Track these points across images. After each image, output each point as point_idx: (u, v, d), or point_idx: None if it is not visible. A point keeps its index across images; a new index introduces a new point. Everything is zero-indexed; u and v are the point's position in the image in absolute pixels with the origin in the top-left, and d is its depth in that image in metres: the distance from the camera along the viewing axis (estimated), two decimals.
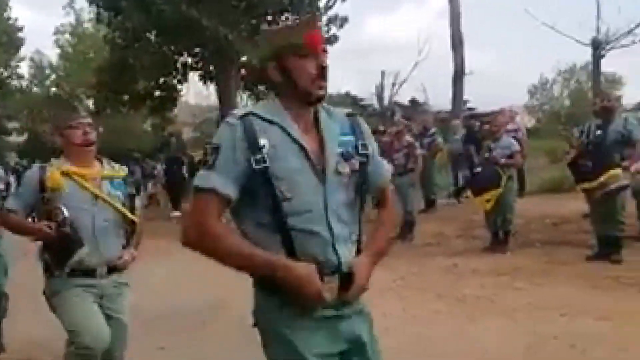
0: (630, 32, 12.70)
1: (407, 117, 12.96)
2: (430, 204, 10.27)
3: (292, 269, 1.66)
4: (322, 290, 1.68)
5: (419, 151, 8.42)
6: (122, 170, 3.08)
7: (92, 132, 2.92)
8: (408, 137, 8.50)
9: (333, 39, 15.34)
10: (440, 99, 18.72)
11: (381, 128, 10.44)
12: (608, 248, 6.04)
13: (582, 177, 6.01)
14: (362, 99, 27.84)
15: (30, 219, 2.98)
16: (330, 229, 1.73)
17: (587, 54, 13.36)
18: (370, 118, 19.85)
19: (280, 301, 1.72)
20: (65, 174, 2.86)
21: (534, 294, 5.15)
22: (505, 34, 45.72)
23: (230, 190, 1.69)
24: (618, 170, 5.82)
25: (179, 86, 17.13)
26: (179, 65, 16.14)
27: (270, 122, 1.74)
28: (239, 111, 1.79)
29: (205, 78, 16.58)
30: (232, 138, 1.70)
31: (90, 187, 2.90)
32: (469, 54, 12.64)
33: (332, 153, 1.78)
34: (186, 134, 27.39)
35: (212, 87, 17.55)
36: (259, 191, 1.70)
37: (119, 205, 2.96)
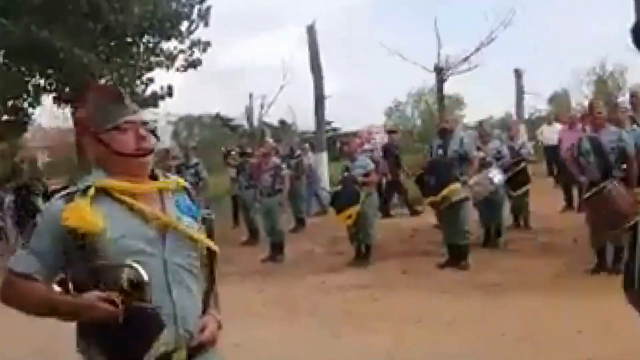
0: (466, 59, 14.20)
1: (277, 138, 13.29)
2: (299, 222, 10.61)
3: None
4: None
5: (285, 172, 8.68)
6: (180, 181, 1.98)
7: (149, 135, 1.86)
8: (275, 159, 8.74)
9: (197, 63, 15.38)
10: (306, 121, 19.42)
11: (249, 150, 10.62)
12: (456, 256, 6.70)
13: (428, 192, 6.62)
14: (231, 120, 28.00)
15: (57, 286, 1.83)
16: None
17: (432, 79, 14.70)
18: (241, 139, 19.99)
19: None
20: (105, 191, 1.76)
21: (392, 303, 5.57)
22: (362, 60, 48.57)
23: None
24: (457, 185, 6.51)
25: (30, 109, 16.06)
26: (30, 87, 15.17)
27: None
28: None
29: (59, 100, 15.73)
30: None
31: (152, 213, 1.79)
32: (329, 77, 13.41)
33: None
34: (41, 159, 25.61)
35: (67, 110, 16.66)
36: None
37: (202, 237, 1.88)
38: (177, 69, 15.37)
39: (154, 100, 15.15)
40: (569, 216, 8.74)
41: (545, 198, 10.30)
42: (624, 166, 5.89)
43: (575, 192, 8.66)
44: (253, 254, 8.52)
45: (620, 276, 5.44)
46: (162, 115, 18.49)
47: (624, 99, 9.54)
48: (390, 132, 13.14)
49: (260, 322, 5.34)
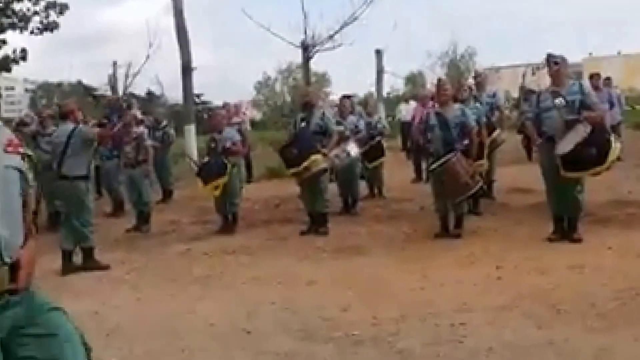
0: (331, 37, 14.56)
1: (144, 110, 12.81)
2: (167, 194, 10.46)
3: None
4: None
5: (148, 142, 8.47)
6: None
7: None
8: (137, 129, 8.48)
9: (53, 26, 14.39)
10: (174, 92, 18.84)
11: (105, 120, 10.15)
12: (317, 223, 7.05)
13: (290, 163, 6.88)
14: (95, 89, 26.39)
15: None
16: None
17: (300, 55, 14.85)
18: (105, 109, 18.94)
19: None
20: None
21: (256, 267, 5.77)
22: (233, 34, 47.87)
23: None
24: (318, 156, 6.84)
25: None
26: None
27: None
28: None
29: None
30: None
31: None
32: (199, 49, 13.14)
33: None
34: None
35: None
36: None
37: None
38: (32, 32, 14.29)
39: (6, 64, 14.00)
40: (418, 186, 9.52)
41: (398, 170, 11.09)
42: (466, 140, 6.52)
43: (424, 165, 9.42)
44: (118, 225, 8.30)
45: (461, 240, 6.16)
46: (19, 81, 17.22)
47: (472, 80, 10.42)
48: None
49: (121, 290, 5.30)
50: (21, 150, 1.95)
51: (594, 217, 6.50)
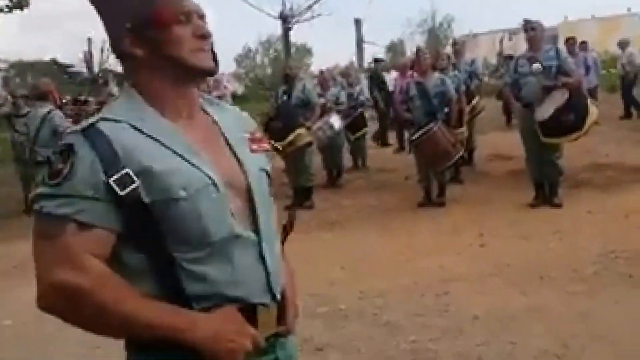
0: (309, 8, 14.36)
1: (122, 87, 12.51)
2: None
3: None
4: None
5: None
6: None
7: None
8: None
9: (23, 3, 13.94)
10: None
11: (82, 98, 9.95)
12: (302, 197, 7.03)
13: (276, 137, 6.82)
14: (70, 66, 25.79)
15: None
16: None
17: (279, 26, 14.61)
18: (81, 87, 18.51)
19: None
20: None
21: None
22: (211, 3, 46.75)
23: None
24: (302, 130, 6.78)
25: None
26: None
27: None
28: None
29: None
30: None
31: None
32: None
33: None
34: None
35: None
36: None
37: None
38: (1, 10, 13.84)
39: None
40: (401, 157, 9.51)
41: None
42: (446, 109, 6.51)
43: (407, 135, 9.41)
44: None
45: (444, 209, 6.19)
46: None
47: (450, 48, 10.36)
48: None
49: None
50: (266, 146, 1.45)
51: (573, 182, 6.57)
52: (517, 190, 6.43)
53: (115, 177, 1.16)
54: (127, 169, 1.17)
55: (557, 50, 6.04)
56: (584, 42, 11.98)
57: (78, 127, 1.23)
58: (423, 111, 6.47)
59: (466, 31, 27.97)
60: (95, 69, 23.30)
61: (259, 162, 1.37)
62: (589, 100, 5.97)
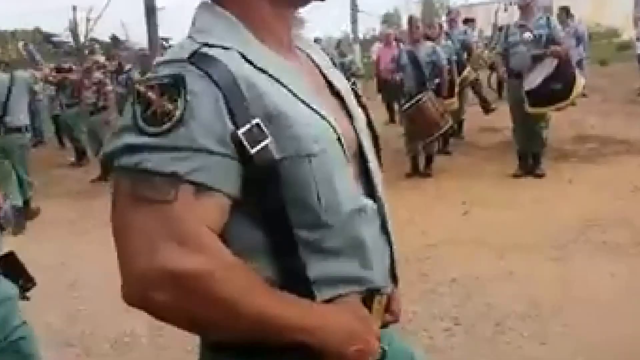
0: None
1: (108, 56, 12.37)
2: None
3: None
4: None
5: (109, 88, 8.22)
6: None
7: None
8: (98, 74, 8.23)
9: None
10: (140, 36, 18.20)
11: (65, 65, 9.80)
12: None
13: None
14: (54, 35, 25.38)
15: None
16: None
17: None
18: (68, 57, 18.28)
19: None
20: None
21: None
22: None
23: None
24: None
25: None
26: None
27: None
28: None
29: None
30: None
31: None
32: None
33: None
34: None
35: None
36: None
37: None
38: None
39: None
40: (391, 128, 9.52)
41: (372, 112, 11.03)
42: (437, 79, 6.51)
43: (396, 107, 9.39)
44: (82, 175, 8.17)
45: (431, 179, 6.24)
46: None
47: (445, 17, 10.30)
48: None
49: (86, 240, 5.23)
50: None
51: (557, 153, 6.62)
52: (504, 162, 6.47)
53: (244, 128, 0.86)
54: (257, 119, 0.87)
55: (548, 19, 6.02)
56: (567, 11, 11.78)
57: (176, 55, 0.89)
58: (414, 80, 6.47)
59: (462, 1, 27.77)
60: (82, 38, 22.96)
61: (362, 116, 1.11)
62: (576, 71, 5.99)
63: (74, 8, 21.42)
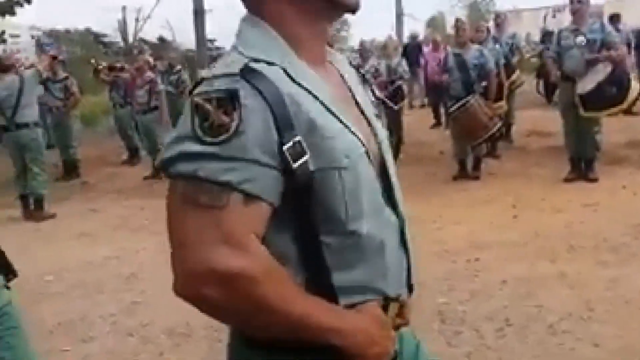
0: None
1: (157, 56, 12.66)
2: None
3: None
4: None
5: (161, 87, 8.33)
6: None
7: None
8: (149, 73, 8.33)
9: None
10: (186, 37, 18.51)
11: (118, 65, 10.09)
12: None
13: None
14: (104, 36, 26.05)
15: None
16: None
17: None
18: (117, 57, 18.78)
19: None
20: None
21: None
22: None
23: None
24: None
25: None
26: None
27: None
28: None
29: None
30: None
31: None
32: None
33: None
34: None
35: None
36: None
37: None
38: None
39: (10, 7, 13.69)
40: (437, 131, 9.48)
41: (417, 114, 11.05)
42: (484, 82, 6.47)
43: (442, 110, 9.34)
44: (135, 173, 8.38)
45: (478, 182, 6.18)
46: (25, 29, 16.74)
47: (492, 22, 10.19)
48: None
49: (140, 236, 5.39)
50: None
51: (610, 158, 6.48)
52: (554, 166, 6.38)
53: (289, 144, 0.93)
54: (299, 136, 0.93)
55: (602, 24, 5.95)
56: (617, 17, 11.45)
57: (228, 69, 0.95)
58: (461, 83, 6.45)
59: (509, 6, 27.36)
60: (130, 39, 23.31)
61: (383, 129, 1.15)
62: (631, 76, 5.87)
63: (124, 8, 21.72)
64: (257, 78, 0.93)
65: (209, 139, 0.91)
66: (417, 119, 10.49)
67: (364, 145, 1.02)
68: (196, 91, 0.95)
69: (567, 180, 5.92)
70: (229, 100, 0.91)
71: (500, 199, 5.55)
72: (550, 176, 6.14)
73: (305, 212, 0.97)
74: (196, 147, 0.91)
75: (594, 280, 3.52)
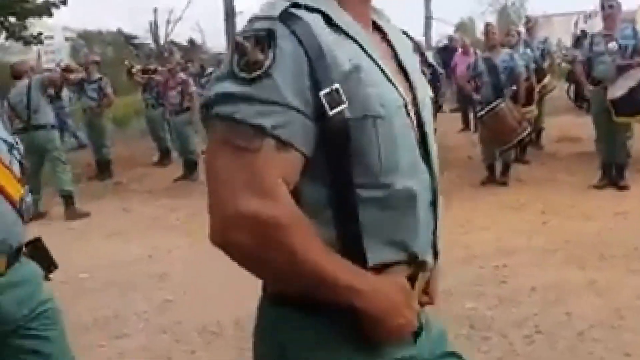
0: None
1: (187, 59, 12.78)
2: None
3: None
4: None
5: (193, 88, 8.37)
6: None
7: None
8: (182, 75, 8.44)
9: None
10: (216, 39, 18.68)
11: (151, 67, 10.22)
12: None
13: None
14: (135, 37, 26.41)
15: None
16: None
17: None
18: (148, 59, 19.05)
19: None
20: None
21: None
22: None
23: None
24: None
25: None
26: None
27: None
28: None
29: None
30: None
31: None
32: None
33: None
34: None
35: None
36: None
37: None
38: None
39: (47, 9, 13.96)
40: (465, 135, 9.44)
41: (446, 118, 10.97)
42: (514, 86, 6.44)
43: (471, 114, 9.29)
44: (166, 174, 8.48)
45: (507, 187, 6.14)
46: (59, 29, 17.02)
47: (522, 27, 10.11)
48: None
49: (172, 235, 5.47)
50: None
51: None
52: (584, 172, 6.31)
53: (326, 90, 0.92)
54: (336, 84, 0.93)
55: (635, 30, 5.88)
56: None
57: (269, 12, 0.96)
58: (491, 87, 6.43)
59: (539, 12, 27.05)
60: (161, 41, 23.49)
61: (427, 89, 1.15)
62: None
63: (155, 10, 21.91)
64: (295, 22, 0.93)
65: (242, 74, 0.91)
66: (445, 123, 10.41)
67: (403, 98, 1.02)
68: (238, 31, 0.97)
69: (597, 187, 5.86)
70: (266, 39, 0.92)
71: (529, 205, 5.52)
72: (579, 183, 6.08)
73: (339, 162, 0.95)
74: (232, 86, 0.92)
75: (624, 289, 3.49)
